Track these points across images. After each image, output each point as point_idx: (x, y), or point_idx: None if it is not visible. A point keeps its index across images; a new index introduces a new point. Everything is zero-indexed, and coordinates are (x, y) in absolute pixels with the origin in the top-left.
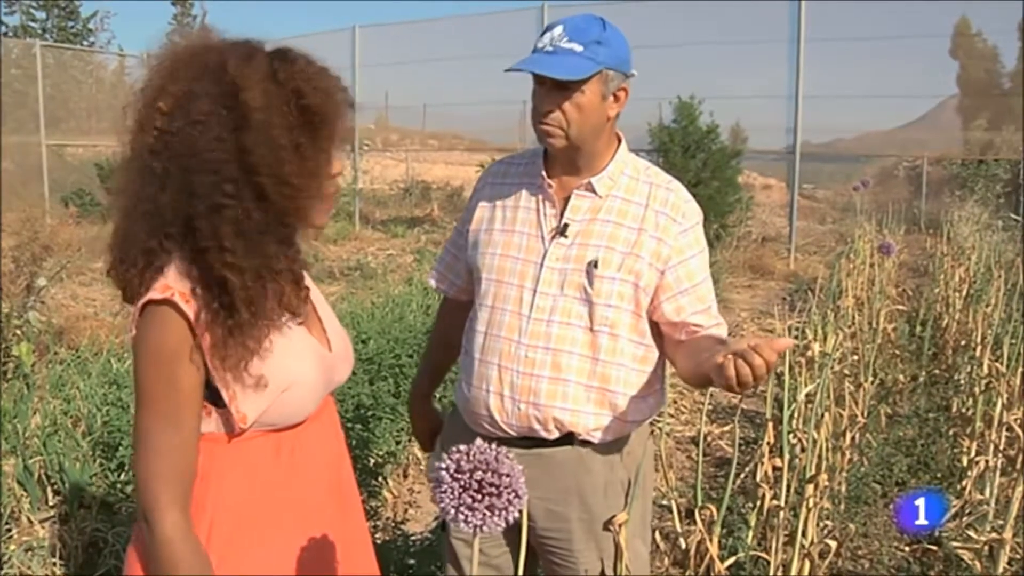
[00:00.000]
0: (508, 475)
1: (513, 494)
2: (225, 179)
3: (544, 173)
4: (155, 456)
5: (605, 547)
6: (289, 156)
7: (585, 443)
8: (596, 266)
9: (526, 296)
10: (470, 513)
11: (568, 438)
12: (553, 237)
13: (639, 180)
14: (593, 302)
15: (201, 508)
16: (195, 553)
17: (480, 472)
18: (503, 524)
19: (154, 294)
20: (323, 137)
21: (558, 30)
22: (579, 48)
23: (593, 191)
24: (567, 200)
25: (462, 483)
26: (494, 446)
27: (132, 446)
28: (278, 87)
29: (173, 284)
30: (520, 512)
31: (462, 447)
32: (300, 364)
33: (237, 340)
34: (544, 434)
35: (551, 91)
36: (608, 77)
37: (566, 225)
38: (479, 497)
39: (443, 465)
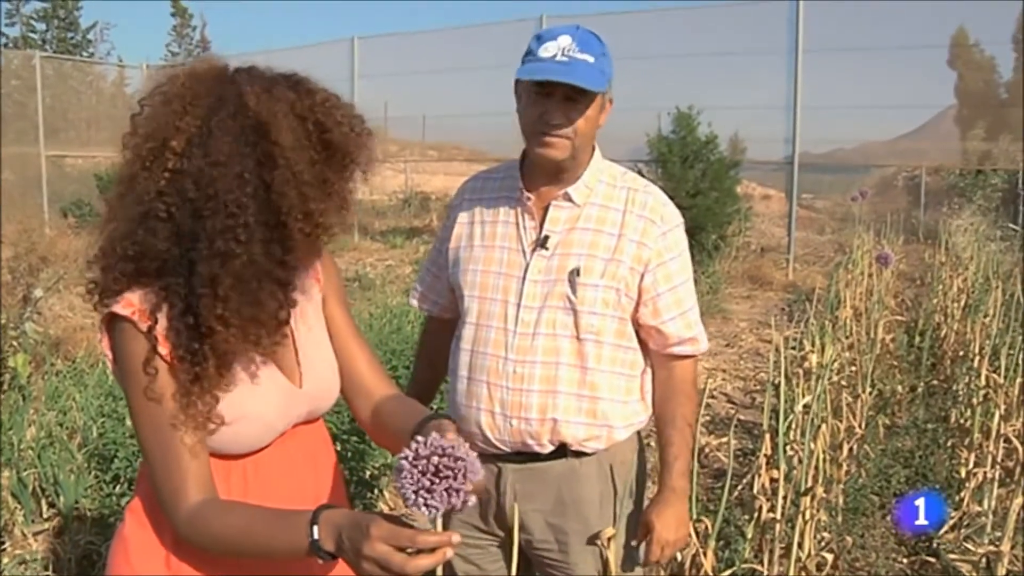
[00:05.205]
0: (463, 459)
1: (473, 475)
2: (240, 224)
3: (522, 185)
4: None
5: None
6: (315, 193)
7: (578, 454)
8: (578, 274)
9: (510, 311)
10: (429, 496)
11: (561, 450)
12: (534, 250)
13: (616, 186)
14: (577, 310)
15: (164, 525)
16: (214, 524)
17: (437, 457)
18: (460, 505)
19: (117, 308)
20: (347, 171)
21: (565, 40)
22: (591, 59)
23: (571, 200)
24: (546, 212)
25: (421, 468)
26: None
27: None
28: (300, 121)
29: (135, 302)
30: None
31: (419, 438)
32: (254, 402)
33: (204, 389)
34: (537, 448)
35: (562, 103)
36: (607, 89)
37: (546, 237)
38: (437, 480)
39: (403, 454)
